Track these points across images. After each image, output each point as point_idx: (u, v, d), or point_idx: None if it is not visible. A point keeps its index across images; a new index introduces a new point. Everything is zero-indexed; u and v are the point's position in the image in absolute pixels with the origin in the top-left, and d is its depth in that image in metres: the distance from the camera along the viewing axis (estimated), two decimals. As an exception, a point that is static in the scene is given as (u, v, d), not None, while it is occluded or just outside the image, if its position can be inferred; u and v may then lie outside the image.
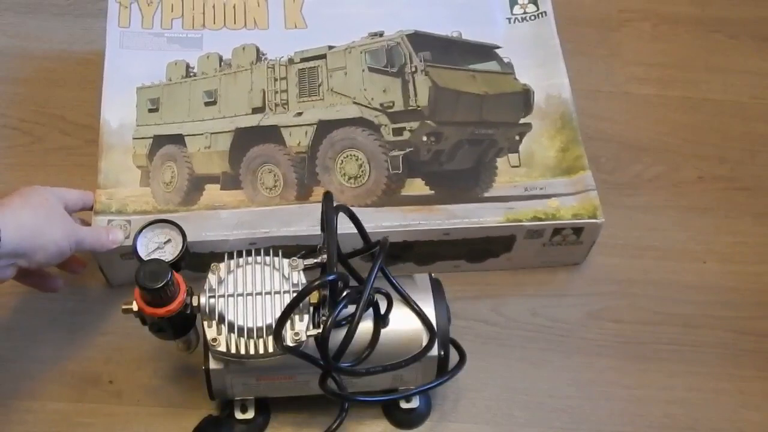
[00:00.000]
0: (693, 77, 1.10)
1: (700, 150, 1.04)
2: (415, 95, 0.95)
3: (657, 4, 1.16)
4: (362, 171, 0.92)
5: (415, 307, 0.78)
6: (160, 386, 0.86)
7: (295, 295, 0.72)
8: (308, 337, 0.72)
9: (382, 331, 0.76)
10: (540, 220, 0.88)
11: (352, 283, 0.75)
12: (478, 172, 0.93)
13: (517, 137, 0.95)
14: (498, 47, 1.00)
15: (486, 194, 0.91)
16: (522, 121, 0.96)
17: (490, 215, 0.88)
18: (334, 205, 0.75)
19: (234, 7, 1.02)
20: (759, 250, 0.97)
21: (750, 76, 1.10)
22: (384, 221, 0.87)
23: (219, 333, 0.73)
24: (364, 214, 0.79)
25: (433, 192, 0.91)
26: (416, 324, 0.78)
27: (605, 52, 1.11)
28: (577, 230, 0.89)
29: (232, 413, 0.82)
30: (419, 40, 0.97)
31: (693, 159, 1.03)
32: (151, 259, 0.75)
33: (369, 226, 0.79)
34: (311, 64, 0.98)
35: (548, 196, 0.90)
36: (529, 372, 0.89)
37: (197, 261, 0.82)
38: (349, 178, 0.92)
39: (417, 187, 0.92)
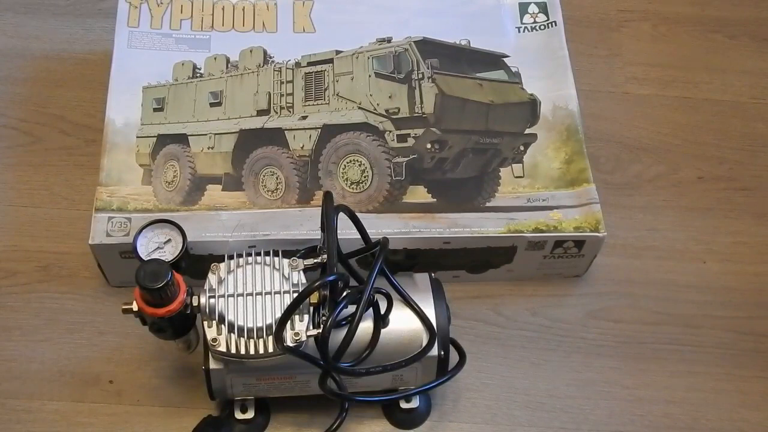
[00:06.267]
0: (693, 77, 1.10)
1: (700, 150, 1.04)
2: (421, 102, 0.95)
3: (657, 4, 1.16)
4: (365, 177, 0.92)
5: (415, 307, 0.78)
6: (160, 386, 0.86)
7: (295, 295, 0.72)
8: (308, 337, 0.72)
9: (382, 331, 0.76)
10: (542, 231, 0.87)
11: (352, 283, 0.75)
12: (481, 182, 0.93)
13: (522, 147, 0.94)
14: (506, 56, 1.00)
15: (488, 204, 0.91)
16: (527, 131, 0.95)
17: (492, 225, 0.88)
18: (335, 204, 0.75)
19: (243, 9, 1.02)
20: (759, 250, 0.97)
21: (749, 76, 1.10)
22: (385, 228, 0.86)
23: (219, 333, 0.73)
24: (365, 220, 0.78)
25: (435, 200, 0.91)
26: (416, 324, 0.78)
27: (605, 52, 1.11)
28: (579, 243, 0.88)
29: (232, 413, 0.82)
30: (427, 47, 0.97)
31: (693, 159, 1.03)
32: (151, 259, 0.75)
33: (369, 233, 0.79)
34: (318, 68, 0.97)
35: (551, 208, 0.90)
36: (529, 372, 0.89)
37: (197, 267, 0.82)
38: (351, 184, 0.92)
39: (419, 194, 0.91)
